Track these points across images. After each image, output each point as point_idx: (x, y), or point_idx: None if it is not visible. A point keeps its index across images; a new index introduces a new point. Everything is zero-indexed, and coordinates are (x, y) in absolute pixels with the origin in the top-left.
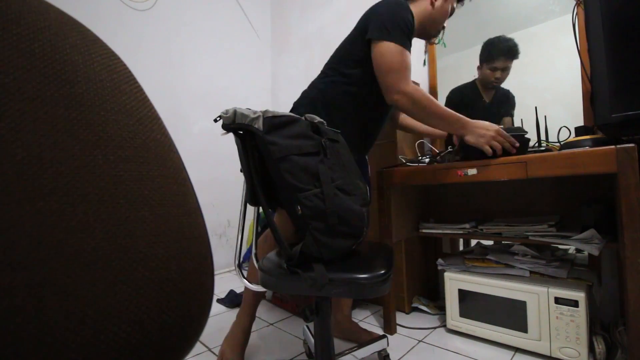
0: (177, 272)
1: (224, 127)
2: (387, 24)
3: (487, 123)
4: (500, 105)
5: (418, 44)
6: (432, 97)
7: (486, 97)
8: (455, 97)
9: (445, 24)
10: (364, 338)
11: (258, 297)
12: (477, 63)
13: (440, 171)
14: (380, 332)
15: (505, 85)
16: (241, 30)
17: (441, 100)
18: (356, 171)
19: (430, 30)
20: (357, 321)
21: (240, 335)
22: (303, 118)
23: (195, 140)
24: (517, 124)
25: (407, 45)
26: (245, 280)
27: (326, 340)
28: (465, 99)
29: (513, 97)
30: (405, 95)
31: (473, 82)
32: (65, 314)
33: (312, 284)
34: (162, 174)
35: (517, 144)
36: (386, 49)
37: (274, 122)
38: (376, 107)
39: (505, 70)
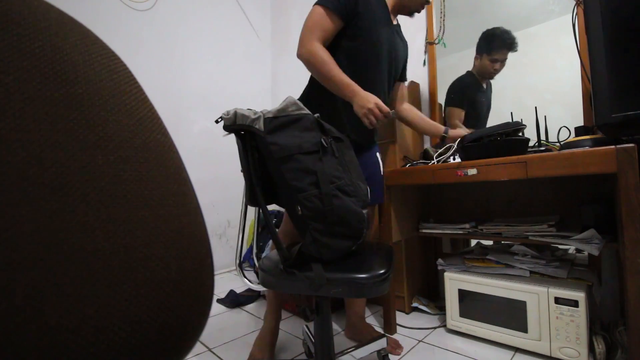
0: (177, 272)
1: (225, 128)
2: None
3: (370, 96)
4: (491, 93)
5: (418, 43)
6: (329, 61)
7: (484, 84)
8: (456, 86)
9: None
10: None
11: (281, 297)
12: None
13: (440, 171)
14: (381, 332)
15: (505, 84)
16: (241, 31)
17: (442, 95)
18: (358, 172)
19: (410, 5)
20: None
21: (267, 335)
22: (306, 113)
23: (195, 140)
24: None
25: (329, 4)
26: (246, 279)
27: (326, 340)
28: (466, 86)
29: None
30: (306, 51)
31: (470, 72)
32: (65, 314)
33: (310, 284)
34: (162, 174)
35: (390, 114)
36: (310, 11)
37: (274, 122)
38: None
39: (504, 62)
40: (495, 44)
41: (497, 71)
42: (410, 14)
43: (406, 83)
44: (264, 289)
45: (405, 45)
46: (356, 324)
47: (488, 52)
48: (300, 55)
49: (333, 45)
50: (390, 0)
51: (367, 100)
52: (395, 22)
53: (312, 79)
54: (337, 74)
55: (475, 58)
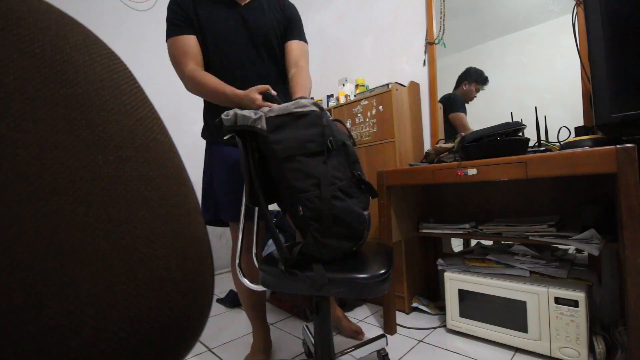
0: (177, 272)
1: (226, 129)
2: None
3: (248, 93)
4: None
5: (418, 44)
6: (207, 78)
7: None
8: (457, 96)
9: None
10: (346, 325)
11: (259, 306)
12: (477, 64)
13: (440, 171)
14: (381, 332)
15: (505, 84)
16: None
17: (442, 95)
18: (361, 172)
19: None
20: (356, 321)
21: (260, 346)
22: (312, 110)
23: (195, 140)
24: None
25: (170, 32)
26: (245, 280)
27: (326, 339)
28: (453, 100)
29: None
30: (184, 80)
31: (457, 94)
32: (65, 314)
33: (311, 285)
34: (162, 174)
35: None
36: (168, 50)
37: (277, 121)
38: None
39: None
40: (483, 79)
41: (473, 99)
42: None
43: (298, 42)
44: (264, 289)
45: (274, 8)
46: (335, 318)
47: (478, 82)
48: (185, 85)
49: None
50: None
51: (250, 99)
52: (246, 0)
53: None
54: (221, 87)
55: (465, 84)
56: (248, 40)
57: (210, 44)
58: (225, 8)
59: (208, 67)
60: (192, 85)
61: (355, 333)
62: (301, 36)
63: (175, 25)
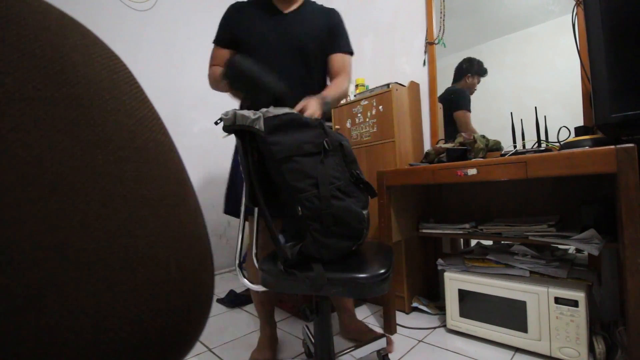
0: (177, 272)
1: (225, 129)
2: None
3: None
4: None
5: (418, 44)
6: (212, 69)
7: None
8: (465, 92)
9: None
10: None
11: (268, 303)
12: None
13: (440, 171)
14: (381, 332)
15: (505, 84)
16: None
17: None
18: (359, 172)
19: None
20: None
21: (266, 342)
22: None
23: (195, 140)
24: (517, 124)
25: (215, 40)
26: (245, 280)
27: (326, 339)
28: (462, 96)
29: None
30: (209, 79)
31: (462, 88)
32: (65, 314)
33: (310, 284)
34: (162, 175)
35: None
36: None
37: (275, 122)
38: None
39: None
40: (483, 70)
41: (473, 92)
42: None
43: (339, 55)
44: (264, 289)
45: (317, 19)
46: (348, 322)
47: (480, 74)
48: (210, 84)
49: None
50: None
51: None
52: (291, 9)
53: None
54: (215, 73)
55: (468, 77)
56: (284, 49)
57: (250, 54)
58: (267, 17)
59: None
60: (209, 79)
61: (360, 334)
62: (342, 47)
63: (219, 35)
